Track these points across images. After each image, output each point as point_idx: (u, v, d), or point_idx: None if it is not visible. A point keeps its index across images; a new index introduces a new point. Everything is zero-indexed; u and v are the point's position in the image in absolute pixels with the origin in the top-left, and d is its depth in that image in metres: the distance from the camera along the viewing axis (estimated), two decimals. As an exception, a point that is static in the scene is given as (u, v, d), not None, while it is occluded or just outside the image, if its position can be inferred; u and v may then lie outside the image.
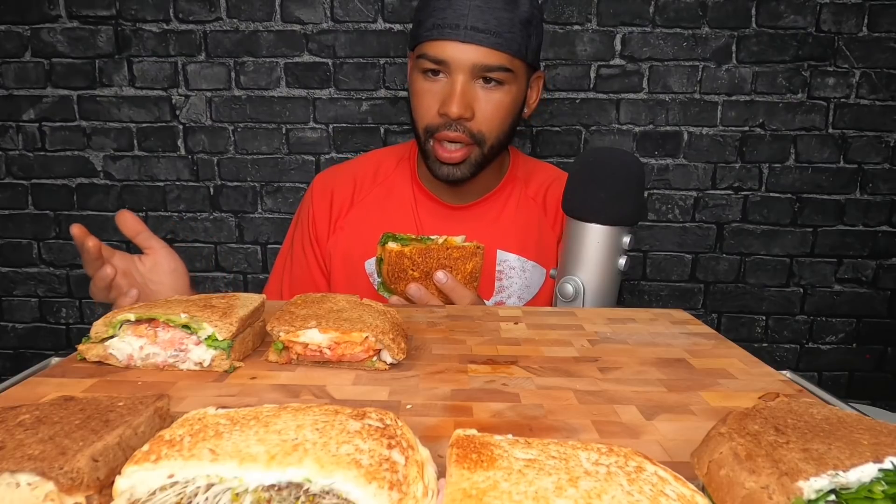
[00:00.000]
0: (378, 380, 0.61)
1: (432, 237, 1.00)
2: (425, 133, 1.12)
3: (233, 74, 1.87)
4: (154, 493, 0.35)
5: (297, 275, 1.27)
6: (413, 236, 1.00)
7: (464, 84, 1.06)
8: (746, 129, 1.87)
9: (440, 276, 0.97)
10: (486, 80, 1.08)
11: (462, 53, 1.05)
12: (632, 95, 1.86)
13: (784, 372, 0.65)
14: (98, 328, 0.62)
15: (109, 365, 0.63)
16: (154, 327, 0.62)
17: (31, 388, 0.57)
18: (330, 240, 1.24)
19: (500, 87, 1.09)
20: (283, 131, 1.90)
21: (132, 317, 0.62)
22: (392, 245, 0.98)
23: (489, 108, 1.09)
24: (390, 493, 0.34)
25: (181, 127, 1.90)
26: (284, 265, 1.29)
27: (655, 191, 1.92)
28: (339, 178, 1.28)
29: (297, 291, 1.21)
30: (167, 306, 0.64)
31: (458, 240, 1.00)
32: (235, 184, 1.94)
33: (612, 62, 1.84)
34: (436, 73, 1.08)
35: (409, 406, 0.55)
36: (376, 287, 1.04)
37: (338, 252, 1.23)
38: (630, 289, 1.96)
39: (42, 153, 1.92)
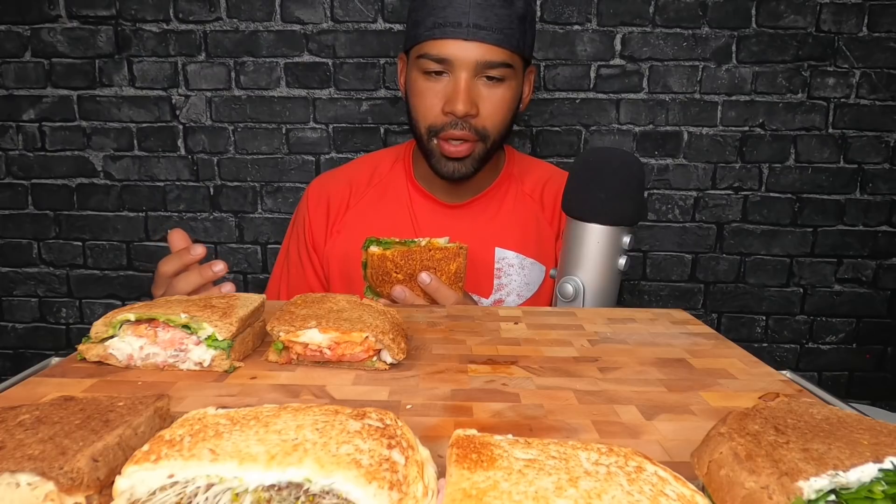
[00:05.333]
0: (378, 380, 0.61)
1: (415, 240, 1.01)
2: (428, 133, 1.12)
3: (233, 74, 1.87)
4: (154, 493, 0.35)
5: (294, 281, 1.26)
6: (396, 240, 1.00)
7: (467, 81, 1.06)
8: (746, 129, 1.87)
9: (424, 277, 0.97)
10: (488, 78, 1.08)
11: (465, 51, 1.05)
12: (632, 95, 1.86)
13: (784, 372, 0.65)
14: (98, 328, 0.62)
15: (109, 365, 0.63)
16: (154, 327, 0.62)
17: (31, 388, 0.57)
18: (327, 244, 1.24)
19: (502, 84, 1.09)
20: (283, 131, 1.90)
21: (132, 317, 0.62)
22: (374, 249, 0.99)
23: (492, 104, 1.09)
24: (390, 493, 0.34)
25: (181, 127, 1.90)
26: (282, 272, 1.29)
27: (655, 191, 1.92)
28: (334, 182, 1.28)
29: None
30: (167, 306, 0.64)
31: (441, 241, 1.01)
32: (235, 184, 1.94)
33: (611, 62, 1.84)
34: (438, 72, 1.08)
35: (409, 406, 0.55)
36: (364, 290, 1.04)
37: (335, 256, 1.23)
38: (630, 289, 1.96)
39: (42, 153, 1.92)
